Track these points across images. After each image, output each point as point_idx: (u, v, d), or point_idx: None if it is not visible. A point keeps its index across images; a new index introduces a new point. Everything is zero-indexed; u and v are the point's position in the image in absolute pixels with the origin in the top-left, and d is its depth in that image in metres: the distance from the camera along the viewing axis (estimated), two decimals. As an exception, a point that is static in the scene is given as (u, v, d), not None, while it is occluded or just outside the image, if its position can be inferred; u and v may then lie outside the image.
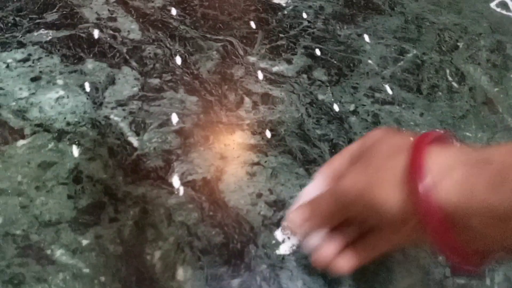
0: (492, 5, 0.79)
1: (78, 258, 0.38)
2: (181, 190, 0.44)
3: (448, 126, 0.57)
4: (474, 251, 0.27)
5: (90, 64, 0.53)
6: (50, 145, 0.45)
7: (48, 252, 0.38)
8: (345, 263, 0.34)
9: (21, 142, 0.44)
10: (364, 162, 0.32)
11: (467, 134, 0.56)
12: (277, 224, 0.43)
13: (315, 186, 0.37)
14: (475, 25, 0.74)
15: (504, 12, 0.77)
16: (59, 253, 0.38)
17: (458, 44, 0.69)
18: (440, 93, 0.61)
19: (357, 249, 0.33)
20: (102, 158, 0.45)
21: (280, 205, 0.44)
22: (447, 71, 0.64)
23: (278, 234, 0.42)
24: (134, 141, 0.46)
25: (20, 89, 0.49)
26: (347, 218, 0.33)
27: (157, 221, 0.41)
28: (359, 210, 0.30)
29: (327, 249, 0.34)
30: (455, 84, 0.63)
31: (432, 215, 0.26)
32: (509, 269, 0.45)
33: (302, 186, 0.47)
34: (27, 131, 0.46)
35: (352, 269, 0.34)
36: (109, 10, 0.59)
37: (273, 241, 0.42)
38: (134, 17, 0.59)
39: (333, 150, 0.50)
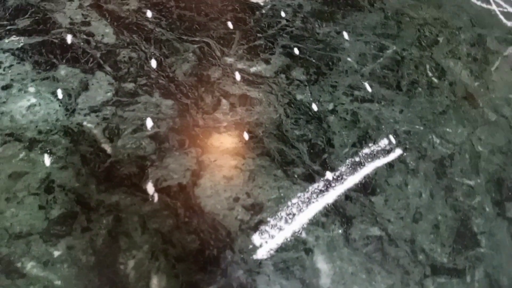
0: (473, -2, 0.79)
1: (50, 270, 0.37)
2: (156, 197, 0.43)
3: (428, 122, 0.56)
4: None
5: (63, 70, 0.52)
6: (21, 155, 0.44)
7: (19, 265, 0.37)
8: None
9: (-9, 153, 0.43)
10: None
11: (447, 130, 0.56)
12: (255, 228, 0.42)
13: None
14: (455, 19, 0.74)
15: (484, 5, 0.77)
16: (30, 266, 0.37)
17: (438, 38, 0.69)
18: (420, 89, 0.60)
19: None
20: (74, 166, 0.44)
21: (257, 208, 0.44)
22: (427, 66, 0.64)
23: (256, 238, 0.42)
24: (107, 147, 0.45)
25: (-10, 98, 0.48)
26: None
27: (130, 229, 0.40)
28: None
29: None
30: (435, 80, 0.62)
31: None
32: (489, 266, 0.45)
33: (280, 188, 0.46)
34: (-3, 141, 0.45)
35: None
36: (82, 14, 0.58)
37: (250, 246, 0.41)
38: (109, 20, 0.58)
39: (311, 151, 0.50)
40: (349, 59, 0.62)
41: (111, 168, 0.45)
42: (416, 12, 0.73)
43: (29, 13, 0.58)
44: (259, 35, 0.62)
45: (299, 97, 0.56)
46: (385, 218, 0.46)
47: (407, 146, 0.53)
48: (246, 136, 0.50)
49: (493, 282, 0.44)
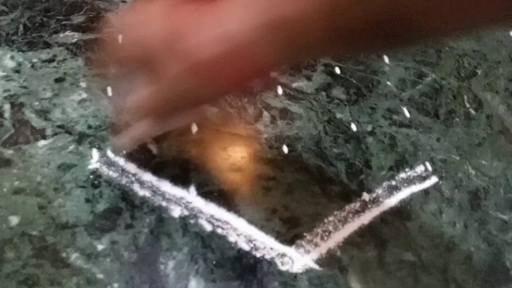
0: (512, 33, 0.79)
1: (93, 262, 0.38)
2: (197, 201, 0.44)
3: (464, 153, 0.56)
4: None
5: (113, 69, 0.53)
6: (71, 147, 0.45)
7: (64, 255, 0.38)
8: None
9: (42, 142, 0.45)
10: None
11: (483, 162, 0.56)
12: (291, 242, 0.43)
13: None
14: (494, 53, 0.74)
15: (523, 41, 0.77)
16: (74, 257, 0.38)
17: (477, 71, 0.70)
18: (457, 119, 0.61)
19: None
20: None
21: (294, 222, 0.44)
22: (465, 97, 0.64)
23: (292, 251, 0.42)
24: (153, 148, 0.47)
25: (44, 89, 0.50)
26: None
27: (172, 230, 0.41)
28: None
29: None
30: (472, 111, 0.63)
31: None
32: None
33: (317, 204, 0.47)
34: (48, 131, 0.46)
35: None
36: (134, 16, 0.60)
37: (286, 259, 0.42)
38: (159, 24, 0.60)
39: (349, 170, 0.51)
40: (388, 83, 0.63)
41: (155, 169, 0.46)
42: (456, 43, 0.74)
43: (83, 10, 0.60)
44: (302, 51, 0.63)
45: (338, 115, 0.57)
46: (419, 244, 0.46)
47: (443, 175, 0.53)
48: (285, 149, 0.51)
49: (523, 319, 0.44)
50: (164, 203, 0.43)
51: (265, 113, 0.54)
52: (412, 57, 0.68)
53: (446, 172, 0.54)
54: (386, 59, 0.66)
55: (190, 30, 0.29)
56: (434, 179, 0.52)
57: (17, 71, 0.51)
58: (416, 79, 0.65)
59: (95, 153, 0.45)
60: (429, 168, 0.53)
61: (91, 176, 0.43)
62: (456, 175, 0.54)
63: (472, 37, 0.76)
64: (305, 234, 0.44)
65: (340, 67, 0.63)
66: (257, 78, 0.34)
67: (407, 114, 0.59)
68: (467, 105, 0.63)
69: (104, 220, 0.41)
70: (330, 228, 0.45)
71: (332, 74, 0.62)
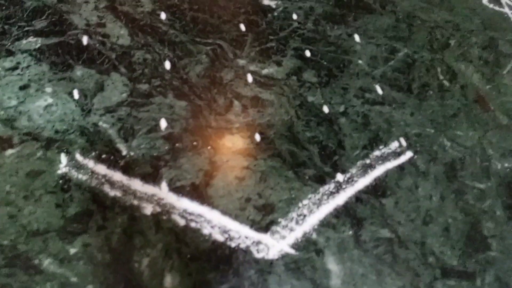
0: (485, 1, 0.79)
1: (66, 267, 0.38)
2: (169, 196, 0.44)
3: (439, 125, 0.56)
4: None
5: (79, 71, 0.53)
6: (39, 154, 0.45)
7: (36, 261, 0.38)
8: None
9: (9, 152, 0.45)
10: None
11: (458, 133, 0.56)
12: (266, 229, 0.43)
13: None
14: (467, 22, 0.74)
15: (496, 8, 0.77)
16: (47, 263, 0.38)
17: (450, 42, 0.69)
18: (431, 92, 0.60)
19: None
20: (90, 166, 0.45)
21: (269, 209, 0.44)
22: (438, 69, 0.64)
23: (267, 238, 0.42)
24: (122, 147, 0.46)
25: (9, 98, 0.49)
26: None
27: (145, 228, 0.41)
28: None
29: None
30: (446, 83, 0.62)
31: None
32: (500, 270, 0.45)
33: (291, 189, 0.47)
34: (15, 140, 0.46)
35: None
36: (98, 16, 0.59)
37: (262, 246, 0.42)
38: (123, 22, 0.59)
39: (322, 153, 0.50)
40: (360, 61, 0.63)
41: (126, 168, 0.46)
42: (428, 15, 0.73)
43: (46, 15, 0.59)
44: (271, 37, 0.63)
45: (310, 99, 0.56)
46: (396, 220, 0.46)
47: (418, 149, 0.53)
48: (257, 137, 0.51)
49: (504, 285, 0.44)
50: (135, 202, 0.43)
51: (236, 103, 0.54)
52: (383, 33, 0.68)
53: (421, 146, 0.53)
54: (357, 37, 0.66)
55: None
56: (409, 154, 0.52)
57: (-19, 82, 0.50)
58: (388, 55, 0.64)
59: (63, 157, 0.45)
60: (404, 143, 0.53)
61: (61, 181, 0.43)
62: (432, 148, 0.54)
63: (444, 8, 0.75)
64: (280, 220, 0.44)
65: (310, 50, 0.62)
66: None
67: (380, 91, 0.59)
68: (441, 77, 0.63)
69: (76, 224, 0.41)
70: (305, 211, 0.45)
71: (302, 57, 0.61)
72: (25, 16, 0.58)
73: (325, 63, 0.61)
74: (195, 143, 0.49)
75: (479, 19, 0.75)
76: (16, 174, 0.44)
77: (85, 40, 0.56)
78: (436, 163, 0.51)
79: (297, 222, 0.43)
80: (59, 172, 0.44)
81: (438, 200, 0.48)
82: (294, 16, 0.67)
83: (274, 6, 0.68)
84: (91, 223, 0.41)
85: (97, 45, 0.56)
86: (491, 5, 0.78)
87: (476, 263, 0.45)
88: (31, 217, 0.41)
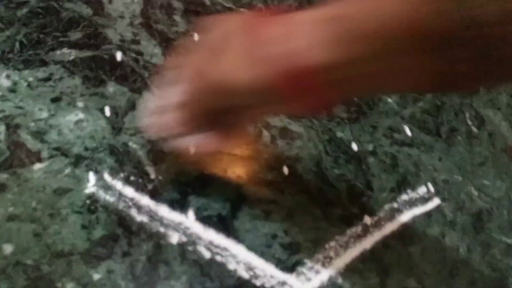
0: (513, 48, 0.79)
1: (89, 293, 0.37)
2: (196, 226, 0.43)
3: (466, 173, 0.56)
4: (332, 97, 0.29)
5: (111, 87, 0.52)
6: (67, 171, 0.44)
7: (59, 285, 0.37)
8: (211, 142, 0.39)
9: (37, 166, 0.44)
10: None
11: (486, 182, 0.56)
12: (292, 269, 0.42)
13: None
14: (496, 68, 0.73)
15: (525, 56, 0.77)
16: (69, 287, 0.37)
17: (479, 87, 0.69)
18: (459, 137, 0.60)
19: (220, 132, 0.39)
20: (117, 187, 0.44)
21: (295, 248, 0.44)
22: (467, 114, 0.64)
23: (292, 279, 0.41)
24: (151, 171, 0.46)
25: (40, 109, 0.49)
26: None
27: (170, 257, 0.40)
28: (217, 99, 0.33)
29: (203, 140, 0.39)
30: (474, 129, 0.62)
31: (291, 74, 0.27)
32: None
33: (318, 228, 0.46)
34: (44, 154, 0.45)
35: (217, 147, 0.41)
36: (133, 32, 0.59)
37: (287, 287, 0.41)
38: (158, 40, 0.59)
39: (350, 192, 0.50)
40: (389, 100, 0.62)
41: (153, 192, 0.45)
42: (457, 57, 0.73)
43: (81, 26, 0.59)
44: (302, 67, 0.63)
45: (339, 134, 0.56)
46: (422, 270, 0.45)
47: (446, 196, 0.52)
48: (285, 170, 0.50)
49: None
50: (162, 229, 0.42)
51: (265, 133, 0.53)
52: (413, 72, 0.68)
53: (448, 193, 0.53)
54: (387, 75, 0.66)
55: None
56: (436, 201, 0.52)
57: (13, 91, 0.50)
58: (417, 96, 0.64)
59: (91, 176, 0.44)
60: (431, 189, 0.53)
61: (88, 201, 0.43)
62: (459, 197, 0.53)
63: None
64: (306, 260, 0.43)
65: (340, 84, 0.62)
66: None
67: (409, 133, 0.58)
68: (469, 123, 0.63)
69: (101, 248, 0.40)
70: (332, 254, 0.44)
71: (332, 91, 0.61)
72: (60, 26, 0.58)
73: (354, 99, 0.60)
74: (223, 172, 0.48)
75: (508, 66, 0.74)
76: (43, 190, 0.43)
77: (119, 56, 0.56)
78: (463, 212, 0.51)
79: (323, 265, 0.42)
80: (87, 191, 0.43)
81: (465, 252, 0.47)
82: (326, 48, 0.67)
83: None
84: (116, 248, 0.40)
85: (131, 62, 0.56)
86: (519, 52, 0.78)
87: (503, 323, 0.44)
88: (56, 237, 0.40)
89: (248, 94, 0.30)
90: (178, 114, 0.37)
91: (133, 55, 0.57)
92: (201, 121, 0.37)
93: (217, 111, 0.35)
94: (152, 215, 0.43)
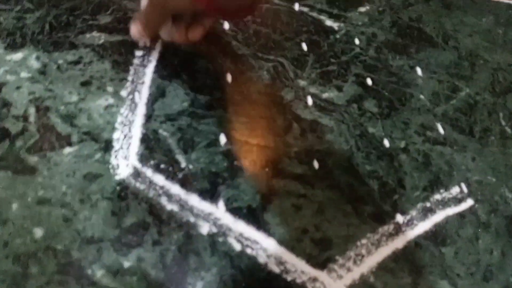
0: (549, 47, 0.76)
1: (119, 281, 0.37)
2: (226, 217, 0.42)
3: (500, 174, 0.54)
4: None
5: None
6: (97, 156, 0.44)
7: (89, 271, 0.37)
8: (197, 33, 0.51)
9: (67, 150, 0.43)
10: None
11: (520, 185, 0.54)
12: (323, 265, 0.41)
13: None
14: (530, 68, 0.71)
15: (560, 56, 0.74)
16: (100, 274, 0.37)
17: (512, 86, 0.67)
18: (492, 138, 0.58)
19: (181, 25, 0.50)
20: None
21: (326, 244, 0.43)
22: (501, 114, 0.62)
23: (324, 276, 0.40)
24: (181, 159, 0.45)
25: (70, 92, 0.48)
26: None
27: (200, 248, 0.40)
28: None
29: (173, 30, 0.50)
30: (508, 130, 0.60)
31: None
32: None
33: (349, 225, 0.45)
34: (74, 138, 0.45)
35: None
36: (162, 18, 0.58)
37: (318, 284, 0.40)
38: (187, 27, 0.58)
39: (382, 189, 0.48)
40: (422, 96, 0.61)
41: (184, 181, 0.44)
42: (491, 56, 0.71)
43: (110, 10, 0.58)
44: (332, 60, 0.61)
45: (371, 130, 0.54)
46: (455, 272, 0.44)
47: (479, 198, 0.51)
48: (316, 164, 0.49)
49: None
50: (192, 219, 0.41)
51: (295, 125, 0.52)
52: (445, 69, 0.66)
53: (482, 195, 0.51)
54: (419, 70, 0.64)
55: None
56: (469, 202, 0.50)
57: (43, 73, 0.49)
58: (450, 93, 0.62)
59: (122, 162, 0.44)
60: (465, 190, 0.51)
61: (118, 188, 0.42)
62: (492, 198, 0.51)
63: (507, 49, 0.73)
64: (337, 257, 0.42)
65: (371, 78, 0.60)
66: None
67: (441, 131, 0.57)
68: (503, 123, 0.61)
69: (131, 235, 0.39)
70: (363, 251, 0.43)
71: (363, 85, 0.59)
72: (89, 9, 0.57)
73: (386, 93, 0.59)
74: (253, 163, 0.47)
75: (543, 66, 0.72)
76: (73, 175, 0.42)
77: (148, 41, 0.55)
78: (497, 215, 0.49)
79: (354, 262, 0.41)
80: (117, 178, 0.43)
81: (499, 256, 0.46)
82: (356, 41, 0.65)
83: (336, 29, 0.66)
84: (146, 237, 0.40)
85: (160, 48, 0.55)
86: (554, 53, 0.76)
87: (539, 331, 0.42)
88: (87, 222, 0.40)
89: None
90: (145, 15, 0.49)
91: (163, 41, 0.56)
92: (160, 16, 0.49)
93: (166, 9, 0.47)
94: (183, 204, 0.42)
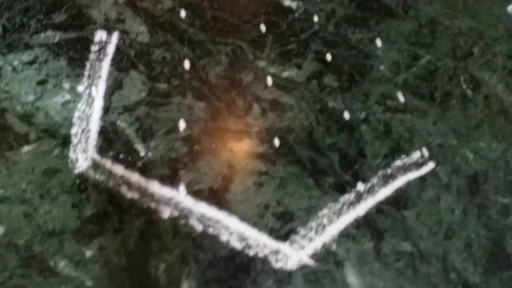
0: (510, 8, 0.77)
1: (82, 270, 0.37)
2: (187, 200, 0.43)
3: (461, 136, 0.55)
4: None
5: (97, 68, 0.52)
6: (56, 151, 0.44)
7: (51, 263, 0.37)
8: None
9: (26, 148, 0.44)
10: None
11: (481, 145, 0.55)
12: (285, 237, 0.42)
13: None
14: (491, 30, 0.72)
15: (521, 16, 0.75)
16: (62, 265, 0.37)
17: (473, 50, 0.68)
18: (453, 101, 0.59)
19: None
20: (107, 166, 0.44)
21: (288, 217, 0.43)
22: (462, 78, 0.63)
23: (286, 248, 0.41)
24: (140, 148, 0.45)
25: (26, 92, 0.48)
26: None
27: (162, 232, 0.40)
28: None
29: None
30: (469, 92, 0.61)
31: None
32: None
33: (310, 197, 0.46)
34: (32, 136, 0.45)
35: None
36: (117, 11, 0.58)
37: (280, 256, 0.41)
38: (143, 18, 0.58)
39: (343, 161, 0.49)
40: (382, 67, 0.61)
41: (143, 169, 0.45)
42: (451, 21, 0.71)
43: (64, 8, 0.58)
44: (291, 39, 0.62)
45: (331, 104, 0.55)
46: (417, 233, 0.45)
47: (440, 160, 0.52)
48: (276, 142, 0.50)
49: (526, 305, 0.43)
50: (153, 205, 0.42)
51: (255, 106, 0.53)
52: (405, 38, 0.66)
53: (443, 157, 0.52)
54: (378, 42, 0.65)
55: None
56: (431, 165, 0.51)
57: (-2, 75, 0.49)
58: (410, 61, 0.63)
59: (80, 156, 0.44)
60: (426, 154, 0.52)
61: (77, 181, 0.42)
62: (454, 160, 0.52)
63: (468, 14, 0.73)
64: (299, 229, 0.43)
65: (331, 53, 0.61)
66: None
67: (402, 99, 0.57)
68: (464, 86, 0.62)
69: (92, 225, 0.40)
70: (325, 221, 0.44)
71: (323, 61, 0.60)
72: (43, 9, 0.57)
73: (346, 67, 0.59)
74: (213, 146, 0.48)
75: (504, 28, 0.73)
76: (32, 172, 0.43)
77: (103, 35, 0.56)
78: (459, 176, 0.50)
79: (316, 232, 0.42)
80: (76, 171, 0.43)
81: (460, 214, 0.47)
82: (315, 18, 0.65)
83: (295, 8, 0.66)
84: (107, 226, 0.40)
85: (116, 41, 0.55)
86: (515, 13, 0.77)
87: (500, 282, 0.43)
88: (47, 216, 0.40)
89: None
90: None
91: (118, 34, 0.56)
92: None
93: None
94: (143, 192, 0.43)
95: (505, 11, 0.75)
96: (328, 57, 0.60)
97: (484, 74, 0.63)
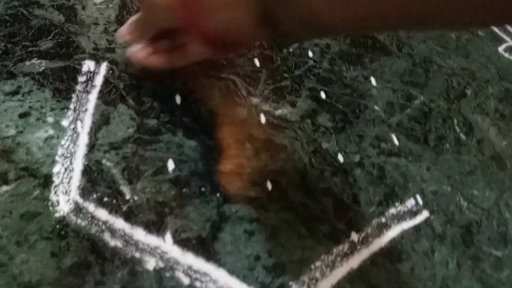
0: (500, 49, 0.78)
1: (58, 328, 0.35)
2: (174, 250, 0.41)
3: (455, 182, 0.54)
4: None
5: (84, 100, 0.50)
6: (35, 193, 0.41)
7: (25, 321, 0.34)
8: (157, 60, 0.48)
9: (3, 188, 0.41)
10: None
11: (475, 192, 0.54)
12: (276, 293, 0.40)
13: None
14: (483, 71, 0.72)
15: (512, 58, 0.76)
16: (37, 322, 0.34)
17: (466, 91, 0.68)
18: (447, 145, 0.59)
19: (171, 54, 0.48)
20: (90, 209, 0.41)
21: (279, 270, 0.42)
22: (455, 120, 0.62)
23: (276, 304, 0.39)
24: (126, 190, 0.43)
25: (7, 126, 0.46)
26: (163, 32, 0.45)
27: (146, 285, 0.38)
28: (171, 22, 0.42)
29: (142, 50, 0.48)
30: (462, 136, 0.61)
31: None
32: None
33: (303, 247, 0.44)
34: (11, 175, 0.42)
35: (162, 66, 0.49)
36: (107, 40, 0.56)
37: (271, 313, 0.39)
38: (134, 49, 0.56)
39: (337, 207, 0.48)
40: (376, 107, 0.60)
41: (128, 214, 0.42)
42: (444, 61, 0.72)
43: (52, 35, 0.56)
44: (285, 75, 0.61)
45: (324, 145, 0.54)
46: (411, 288, 0.43)
47: (434, 208, 0.51)
48: (269, 185, 0.48)
49: None
50: (137, 254, 0.40)
51: (248, 145, 0.51)
52: (400, 77, 0.66)
53: (437, 206, 0.51)
54: (373, 80, 0.64)
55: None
56: (425, 214, 0.50)
57: (-23, 106, 0.47)
58: (404, 102, 0.63)
59: (62, 198, 0.42)
60: (420, 201, 0.51)
61: (58, 226, 0.40)
62: (448, 209, 0.51)
63: (460, 54, 0.74)
64: (291, 283, 0.41)
65: (325, 91, 0.60)
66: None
67: (396, 142, 0.57)
68: (457, 129, 0.61)
69: (72, 277, 0.38)
70: (317, 275, 0.42)
71: (317, 99, 0.59)
72: (30, 35, 0.55)
73: (340, 106, 0.58)
74: (203, 189, 0.46)
75: (495, 69, 0.73)
76: (10, 215, 0.40)
77: (92, 66, 0.53)
78: (452, 225, 0.49)
79: (308, 287, 0.40)
80: (57, 215, 0.41)
81: (454, 268, 0.46)
82: (310, 54, 0.65)
83: (290, 41, 0.65)
84: (88, 277, 0.38)
85: (105, 72, 0.53)
86: (506, 54, 0.77)
87: None
88: (24, 266, 0.38)
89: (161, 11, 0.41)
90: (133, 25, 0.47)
91: (108, 64, 0.54)
92: (147, 31, 0.46)
93: (157, 27, 0.45)
94: (127, 240, 0.41)
95: (495, 52, 0.76)
96: (323, 95, 0.59)
97: (477, 117, 0.63)
